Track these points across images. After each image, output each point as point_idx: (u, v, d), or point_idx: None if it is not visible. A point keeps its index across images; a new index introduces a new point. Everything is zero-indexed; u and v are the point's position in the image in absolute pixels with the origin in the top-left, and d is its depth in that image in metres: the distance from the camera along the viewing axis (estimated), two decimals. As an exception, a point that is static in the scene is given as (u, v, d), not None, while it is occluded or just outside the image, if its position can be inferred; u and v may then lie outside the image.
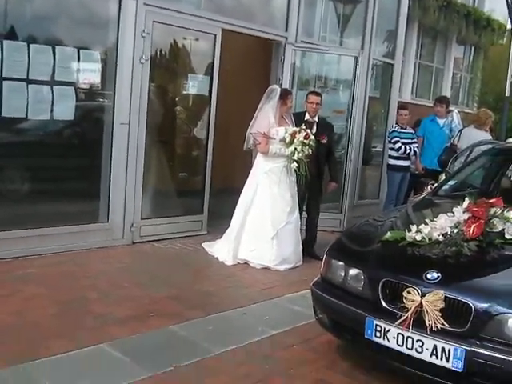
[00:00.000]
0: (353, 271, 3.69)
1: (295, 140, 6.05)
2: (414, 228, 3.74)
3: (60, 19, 5.95)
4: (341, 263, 3.80)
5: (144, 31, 6.27)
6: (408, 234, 3.70)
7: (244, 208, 6.26)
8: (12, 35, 5.50)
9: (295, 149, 6.05)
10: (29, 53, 5.52)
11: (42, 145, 5.96)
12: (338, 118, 8.30)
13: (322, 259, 4.07)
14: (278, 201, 6.19)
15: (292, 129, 6.15)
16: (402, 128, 8.44)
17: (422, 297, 3.24)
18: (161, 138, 7.09)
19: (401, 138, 8.34)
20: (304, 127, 6.15)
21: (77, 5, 6.00)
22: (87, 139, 6.40)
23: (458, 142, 8.01)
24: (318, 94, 6.84)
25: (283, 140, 6.14)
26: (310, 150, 6.09)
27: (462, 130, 8.28)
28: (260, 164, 6.30)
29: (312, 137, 6.13)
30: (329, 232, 7.42)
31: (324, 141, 6.62)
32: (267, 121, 6.21)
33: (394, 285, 3.41)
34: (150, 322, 4.39)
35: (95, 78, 6.15)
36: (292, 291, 5.36)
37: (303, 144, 6.05)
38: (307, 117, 6.69)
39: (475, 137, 7.45)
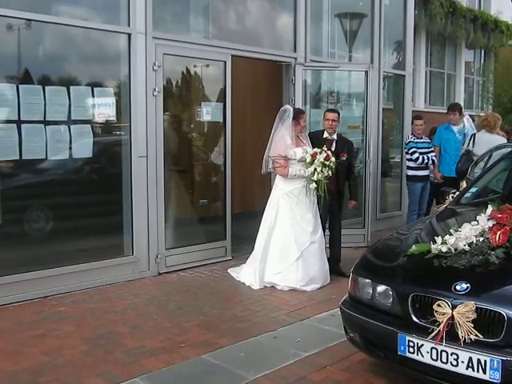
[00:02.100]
0: (380, 288, 3.67)
1: (316, 160, 6.06)
2: (439, 239, 3.71)
3: (72, 58, 6.09)
4: (368, 280, 3.78)
5: (155, 64, 6.37)
6: (433, 246, 3.68)
7: (267, 231, 6.27)
8: (27, 78, 5.63)
9: (315, 169, 6.06)
10: (44, 95, 5.63)
11: (63, 183, 6.05)
12: (353, 133, 8.31)
13: (348, 276, 4.06)
14: (300, 221, 6.20)
15: (314, 150, 6.16)
16: (418, 138, 8.44)
17: (452, 309, 3.21)
18: (179, 168, 7.17)
19: (418, 148, 8.33)
20: (325, 148, 6.16)
21: (87, 43, 6.14)
22: (107, 174, 6.48)
23: (472, 147, 7.98)
24: (335, 111, 6.85)
25: (303, 160, 6.16)
26: (329, 172, 6.10)
27: (474, 134, 8.26)
28: (279, 186, 6.32)
29: (333, 158, 6.13)
30: (353, 248, 7.39)
31: (344, 158, 6.62)
32: (284, 142, 6.24)
33: (424, 299, 3.39)
34: (182, 352, 4.40)
35: (110, 114, 6.24)
36: (321, 311, 5.35)
37: (323, 165, 6.06)
38: (326, 135, 6.71)
39: (488, 140, 7.43)
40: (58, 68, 5.94)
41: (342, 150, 6.67)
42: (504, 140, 7.95)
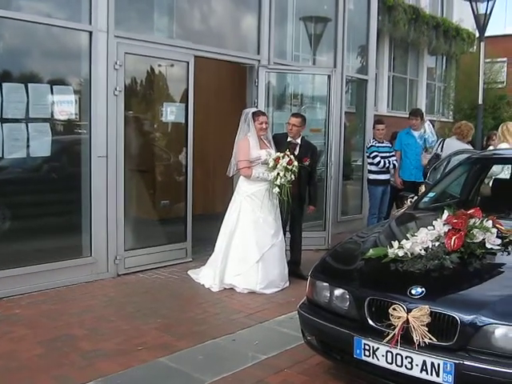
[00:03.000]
0: (338, 291, 3.70)
1: (278, 165, 6.08)
2: (395, 244, 3.76)
3: (31, 55, 5.98)
4: (325, 284, 3.80)
5: (116, 63, 6.30)
6: (390, 251, 3.72)
7: (228, 233, 6.26)
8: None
9: (278, 174, 6.07)
10: (1, 91, 5.51)
11: (20, 182, 5.94)
12: (315, 136, 8.36)
13: (307, 279, 4.08)
14: (262, 224, 6.20)
15: (276, 154, 6.17)
16: (379, 142, 8.54)
17: (407, 313, 3.25)
18: (140, 168, 7.09)
19: (379, 153, 8.43)
20: (288, 153, 6.18)
21: (48, 40, 6.04)
22: (65, 174, 6.38)
23: (441, 151, 8.12)
24: (298, 116, 6.85)
25: (266, 163, 6.17)
26: (292, 176, 6.13)
27: (444, 139, 8.40)
28: (242, 188, 6.32)
29: (295, 163, 6.15)
30: (314, 250, 7.44)
31: (306, 163, 6.64)
32: (247, 145, 6.24)
33: (380, 302, 3.42)
34: (140, 355, 4.36)
35: (70, 113, 6.15)
36: (280, 314, 5.37)
37: (286, 169, 6.08)
38: (290, 138, 6.74)
39: (457, 148, 7.54)
40: (16, 64, 5.81)
41: (306, 154, 6.70)
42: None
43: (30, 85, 5.72)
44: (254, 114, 6.36)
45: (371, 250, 3.86)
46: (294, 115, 6.91)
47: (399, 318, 3.26)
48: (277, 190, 6.10)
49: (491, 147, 9.00)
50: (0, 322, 4.99)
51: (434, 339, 3.19)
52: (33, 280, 5.79)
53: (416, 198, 5.37)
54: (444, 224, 3.84)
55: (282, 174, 6.05)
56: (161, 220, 7.33)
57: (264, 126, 6.35)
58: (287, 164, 6.06)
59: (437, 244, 3.73)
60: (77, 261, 6.21)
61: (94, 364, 4.17)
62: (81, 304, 5.54)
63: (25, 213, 5.90)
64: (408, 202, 5.29)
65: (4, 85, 5.55)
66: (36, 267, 5.83)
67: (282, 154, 6.13)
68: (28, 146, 5.79)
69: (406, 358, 3.25)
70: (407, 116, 9.11)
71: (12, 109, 5.61)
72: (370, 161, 8.56)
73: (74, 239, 6.30)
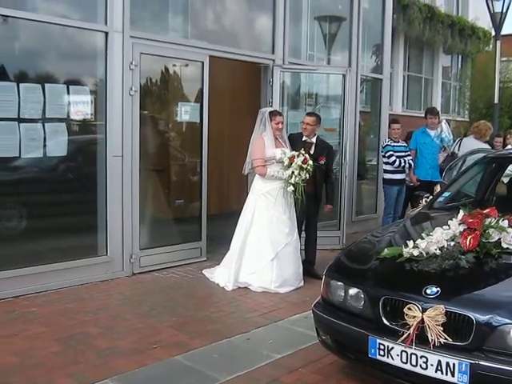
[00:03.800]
0: (352, 291, 3.69)
1: (293, 164, 6.08)
2: (410, 243, 3.74)
3: (48, 55, 6.03)
4: (340, 283, 3.80)
5: (132, 63, 6.33)
6: (405, 250, 3.71)
7: (243, 232, 6.27)
8: (1, 75, 5.55)
9: (293, 172, 6.08)
10: (19, 92, 5.56)
11: (37, 182, 5.99)
12: (330, 136, 8.35)
13: (322, 278, 4.08)
14: (276, 223, 6.21)
15: (291, 153, 6.18)
16: (394, 142, 8.50)
17: (422, 312, 3.24)
18: (155, 167, 7.12)
19: (395, 152, 8.39)
20: (303, 151, 6.18)
21: (64, 40, 6.08)
22: (81, 173, 6.42)
23: (458, 150, 8.07)
24: (312, 115, 6.86)
25: (281, 162, 6.17)
26: (307, 175, 6.12)
27: (461, 139, 8.33)
28: (257, 186, 6.33)
29: (310, 162, 6.15)
30: (329, 250, 7.42)
31: (322, 162, 6.64)
32: (262, 143, 6.25)
33: (395, 302, 3.41)
34: (154, 353, 4.37)
35: (86, 113, 6.19)
36: (294, 313, 5.36)
37: (301, 168, 6.08)
38: (304, 138, 6.73)
39: (474, 147, 7.47)
40: (33, 65, 5.86)
41: (321, 153, 6.69)
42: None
43: (46, 85, 5.76)
44: (270, 113, 6.37)
45: (386, 249, 3.86)
46: (309, 114, 6.91)
47: (414, 317, 3.25)
48: (291, 188, 6.10)
49: (509, 146, 8.94)
50: (16, 319, 5.04)
51: (450, 339, 3.17)
52: (49, 278, 5.83)
53: (431, 197, 5.35)
54: (459, 223, 3.82)
55: (296, 172, 6.06)
56: (176, 219, 7.35)
57: (280, 125, 6.37)
58: (302, 163, 6.07)
59: (452, 244, 3.71)
60: (93, 259, 6.25)
61: (109, 362, 4.20)
62: (96, 302, 5.58)
63: (41, 212, 5.95)
64: (423, 202, 5.26)
65: (21, 85, 5.59)
66: (52, 266, 5.87)
67: (297, 153, 6.13)
68: (44, 146, 5.83)
69: (421, 357, 3.24)
70: (422, 115, 9.07)
71: (29, 109, 5.65)
72: (385, 160, 8.53)
73: (90, 238, 6.34)
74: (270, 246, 6.15)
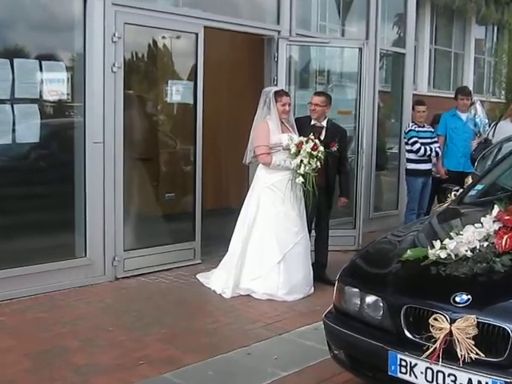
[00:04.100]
0: (370, 298, 3.69)
1: (301, 151, 6.07)
2: (437, 244, 3.73)
3: (17, 26, 5.99)
4: (355, 290, 3.80)
5: (115, 35, 6.32)
6: (431, 252, 3.70)
7: (245, 230, 6.27)
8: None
9: (301, 161, 6.07)
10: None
11: (5, 172, 5.96)
12: (344, 119, 8.34)
13: (334, 284, 4.08)
14: (283, 220, 6.21)
15: (299, 139, 6.17)
16: (419, 126, 8.48)
17: (451, 324, 3.22)
18: (141, 156, 7.13)
19: (419, 138, 8.38)
20: (312, 137, 6.18)
21: (36, 9, 6.07)
22: (56, 163, 6.42)
23: (492, 136, 8.05)
24: (321, 94, 6.87)
25: (288, 149, 6.17)
26: (318, 163, 6.12)
27: (496, 123, 8.30)
28: (262, 178, 6.33)
29: (321, 148, 6.15)
30: (342, 252, 7.44)
31: (334, 148, 6.63)
32: (266, 128, 6.25)
33: (419, 311, 3.40)
34: (141, 370, 4.39)
35: (61, 93, 6.18)
36: (303, 324, 5.37)
37: (311, 156, 6.07)
38: (313, 121, 6.73)
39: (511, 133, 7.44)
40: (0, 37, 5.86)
41: (333, 139, 6.68)
42: None
43: (15, 60, 5.75)
44: (275, 93, 6.36)
45: (409, 250, 3.84)
46: (317, 94, 6.94)
47: (441, 329, 3.24)
48: (300, 179, 6.09)
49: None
50: (-18, 331, 5.05)
51: (482, 354, 3.16)
52: (20, 284, 5.84)
53: (461, 190, 5.33)
54: (494, 221, 3.80)
55: (305, 161, 6.05)
56: (165, 216, 7.36)
57: (287, 107, 6.36)
58: (312, 149, 6.05)
59: (485, 244, 3.69)
60: (69, 262, 6.26)
61: (89, 380, 4.21)
62: (74, 311, 5.59)
63: (9, 207, 5.94)
64: (452, 196, 5.25)
65: (-14, 60, 5.60)
66: (23, 269, 5.87)
67: (305, 139, 6.12)
68: (13, 131, 5.83)
69: (449, 375, 3.23)
70: (452, 95, 9.04)
71: (-5, 88, 5.66)
72: (408, 148, 8.52)
73: (67, 237, 6.36)
74: (277, 246, 6.15)
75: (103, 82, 6.31)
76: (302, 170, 6.07)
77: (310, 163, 6.08)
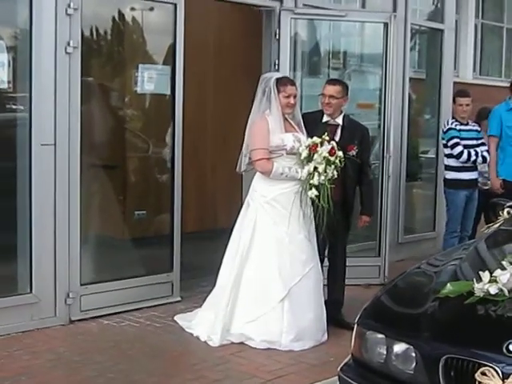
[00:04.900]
0: (399, 347, 3.69)
1: (315, 156, 6.08)
2: (486, 276, 3.74)
3: None
4: (380, 336, 3.80)
5: (69, 6, 6.32)
6: (477, 286, 3.71)
7: (237, 258, 6.26)
8: None
9: (315, 169, 6.07)
10: None
11: None
12: (366, 115, 8.38)
13: (353, 328, 4.09)
14: (288, 245, 6.20)
15: (312, 140, 6.17)
16: (462, 124, 8.50)
17: (503, 379, 3.24)
18: (104, 163, 7.15)
19: (462, 139, 8.39)
20: (327, 137, 6.18)
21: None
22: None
23: None
24: (336, 83, 6.86)
25: (293, 153, 6.18)
26: (335, 172, 6.13)
27: None
28: (259, 191, 6.32)
29: (340, 153, 6.15)
30: (363, 286, 7.43)
31: (353, 153, 6.63)
32: (265, 126, 6.23)
33: (462, 364, 3.41)
34: None
35: (0, 80, 6.20)
36: (313, 381, 5.36)
37: (328, 162, 6.08)
38: (326, 118, 6.76)
39: None
40: None
41: (351, 140, 6.68)
42: None
43: None
44: (278, 81, 6.35)
45: (449, 284, 3.85)
46: (331, 82, 6.91)
47: (491, 386, 3.26)
48: (314, 192, 6.08)
49: None
50: None
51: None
52: None
53: (517, 207, 5.35)
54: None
55: (321, 168, 6.05)
56: (135, 240, 7.37)
57: (292, 100, 6.35)
58: (329, 154, 6.05)
59: (548, 277, 3.71)
60: (10, 300, 6.24)
61: None
62: (16, 364, 5.55)
63: None
64: (505, 214, 5.26)
65: None
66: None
67: (319, 140, 6.12)
68: None
69: None
70: (505, 84, 9.08)
71: None
72: (447, 152, 8.54)
73: (6, 268, 6.35)
74: (279, 279, 6.15)
75: (55, 67, 6.31)
76: (315, 181, 6.07)
77: (326, 171, 6.08)
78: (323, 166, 6.03)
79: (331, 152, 6.07)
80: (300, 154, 6.13)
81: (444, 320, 3.76)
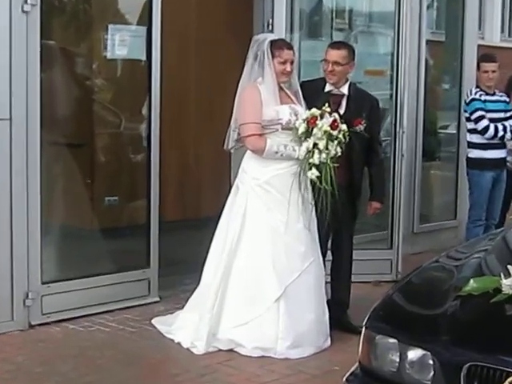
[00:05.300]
0: (414, 353, 3.69)
1: (315, 130, 6.07)
2: (514, 270, 3.76)
3: None
4: (392, 340, 3.80)
5: (26, -46, 6.34)
6: (505, 282, 3.71)
7: (225, 251, 6.27)
8: None
9: (315, 145, 6.06)
10: None
11: None
12: (375, 83, 8.38)
13: (360, 332, 4.09)
14: (285, 235, 6.21)
15: (310, 112, 6.15)
16: (487, 94, 8.51)
17: (534, 389, 3.26)
18: (69, 140, 7.15)
19: (487, 112, 8.41)
20: (328, 109, 6.17)
21: None
22: None
23: None
24: (341, 47, 6.82)
25: (290, 128, 6.17)
26: (338, 149, 6.11)
27: None
28: (250, 172, 6.32)
29: (343, 126, 6.13)
30: (373, 283, 7.46)
31: (360, 127, 6.61)
32: (257, 96, 6.22)
33: (487, 371, 3.41)
34: None
35: None
36: (314, 393, 5.40)
37: (329, 137, 6.07)
38: (329, 87, 6.74)
39: None
40: None
41: (359, 113, 6.67)
42: None
43: None
44: (272, 44, 6.33)
45: (472, 280, 3.86)
46: (334, 46, 6.87)
47: (522, 398, 3.27)
48: (314, 172, 6.07)
49: None
50: None
51: None
52: None
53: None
54: None
55: (321, 144, 6.03)
56: (105, 230, 7.39)
57: (288, 67, 6.33)
58: (331, 127, 6.04)
59: None
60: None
61: None
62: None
63: None
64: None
65: None
66: None
67: (319, 112, 6.11)
68: None
69: None
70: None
71: None
72: (471, 126, 8.56)
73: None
74: (274, 275, 6.15)
75: (9, 28, 6.27)
76: (316, 159, 6.06)
77: (327, 148, 6.07)
78: (324, 141, 6.00)
79: (333, 125, 6.03)
80: (297, 129, 6.11)
81: (466, 322, 3.76)
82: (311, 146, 6.04)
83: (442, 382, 3.57)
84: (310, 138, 6.05)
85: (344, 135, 6.11)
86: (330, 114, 6.10)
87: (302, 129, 6.07)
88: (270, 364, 5.95)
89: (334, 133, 6.03)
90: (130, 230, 7.45)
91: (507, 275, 3.76)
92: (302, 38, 8.37)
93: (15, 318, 6.49)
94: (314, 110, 6.10)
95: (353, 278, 6.95)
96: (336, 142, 6.06)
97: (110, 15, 7.35)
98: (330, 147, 6.03)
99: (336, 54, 6.68)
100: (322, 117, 6.07)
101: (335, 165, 6.10)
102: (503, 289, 3.72)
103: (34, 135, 6.47)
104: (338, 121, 6.09)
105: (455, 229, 9.58)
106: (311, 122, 6.05)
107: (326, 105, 6.20)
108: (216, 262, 6.31)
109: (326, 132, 6.00)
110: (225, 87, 6.56)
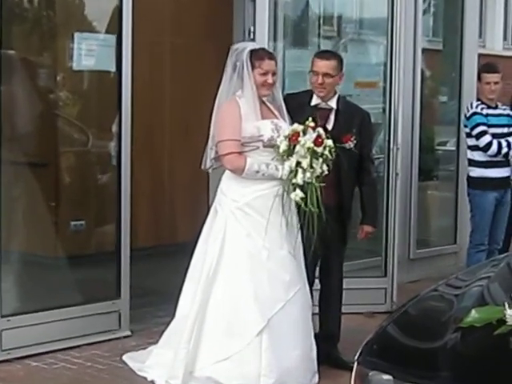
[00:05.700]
0: (410, 392, 3.70)
1: (298, 147, 6.07)
2: (520, 300, 3.76)
3: None
4: (387, 377, 3.78)
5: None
6: (510, 312, 3.72)
7: (202, 281, 6.26)
8: None
9: (298, 164, 6.07)
10: None
11: None
12: (367, 96, 8.41)
13: (352, 368, 4.08)
14: (268, 262, 6.21)
15: (291, 127, 6.16)
16: (490, 107, 8.54)
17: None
18: (30, 159, 7.13)
19: (489, 127, 8.43)
20: (311, 123, 6.18)
21: None
22: None
23: None
24: (330, 57, 6.82)
25: (272, 145, 6.17)
26: (324, 167, 6.12)
27: None
28: (230, 194, 6.31)
29: (329, 142, 6.14)
30: (365, 315, 7.46)
31: (350, 144, 6.62)
32: (237, 111, 6.24)
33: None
34: None
35: None
36: None
37: (314, 154, 6.08)
38: (316, 100, 6.76)
39: None
40: None
41: (348, 128, 6.68)
42: None
43: None
44: (253, 54, 6.35)
45: (474, 310, 3.86)
46: (323, 56, 6.86)
47: None
48: (299, 194, 6.07)
49: None
50: None
51: None
52: None
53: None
54: None
55: (305, 163, 6.04)
56: (71, 259, 7.36)
57: (270, 79, 6.33)
58: (315, 144, 6.05)
59: None
60: None
61: None
62: None
63: None
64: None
65: None
66: None
67: (301, 127, 6.11)
68: None
69: None
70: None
71: None
72: (471, 142, 8.58)
73: None
74: (256, 306, 6.14)
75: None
76: (299, 179, 6.06)
77: (312, 167, 6.07)
78: (308, 159, 5.99)
79: (317, 141, 6.02)
80: (278, 147, 6.11)
81: (468, 356, 3.75)
82: (294, 164, 6.03)
83: (442, 425, 3.58)
84: (292, 156, 6.05)
85: (330, 151, 6.10)
86: (314, 129, 6.09)
87: (283, 146, 6.04)
88: (253, 405, 5.95)
89: (319, 149, 6.01)
90: (99, 258, 7.43)
91: (511, 305, 3.76)
92: (287, 46, 8.40)
93: (-29, 355, 6.48)
94: (296, 126, 6.08)
95: (343, 309, 6.95)
96: (321, 159, 6.05)
97: (77, 22, 7.35)
98: (314, 165, 6.01)
99: (325, 65, 6.68)
100: (304, 133, 6.05)
101: (322, 184, 6.08)
102: (507, 320, 3.72)
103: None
104: (323, 136, 6.08)
105: (455, 254, 9.61)
106: (293, 139, 6.03)
107: (310, 119, 6.19)
108: (192, 292, 6.29)
109: (309, 149, 5.99)
110: (201, 101, 6.56)
